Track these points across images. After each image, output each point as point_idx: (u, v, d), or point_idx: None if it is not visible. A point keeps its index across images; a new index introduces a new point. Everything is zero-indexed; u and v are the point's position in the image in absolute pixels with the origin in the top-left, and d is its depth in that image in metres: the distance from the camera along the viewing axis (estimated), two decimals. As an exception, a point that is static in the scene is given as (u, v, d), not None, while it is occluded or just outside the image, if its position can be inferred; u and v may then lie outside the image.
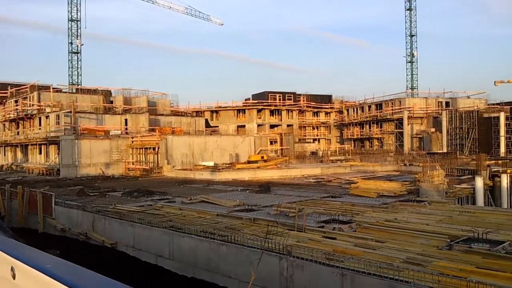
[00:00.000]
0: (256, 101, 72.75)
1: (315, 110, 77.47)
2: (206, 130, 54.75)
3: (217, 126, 64.19)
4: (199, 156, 42.67)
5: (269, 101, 72.97)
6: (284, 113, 72.82)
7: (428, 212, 16.02)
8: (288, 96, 75.59)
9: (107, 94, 53.73)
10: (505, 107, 58.34)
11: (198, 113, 68.40)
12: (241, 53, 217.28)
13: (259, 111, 70.58)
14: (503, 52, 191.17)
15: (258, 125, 69.16)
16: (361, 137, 71.01)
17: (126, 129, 46.15)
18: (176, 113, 56.12)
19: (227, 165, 40.89)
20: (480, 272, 8.74)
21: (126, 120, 47.11)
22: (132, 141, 41.85)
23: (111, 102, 52.91)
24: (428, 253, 10.35)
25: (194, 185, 28.49)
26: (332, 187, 25.73)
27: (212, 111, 71.60)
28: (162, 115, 52.10)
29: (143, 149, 41.09)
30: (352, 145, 70.98)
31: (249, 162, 42.48)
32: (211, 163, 41.28)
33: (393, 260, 9.68)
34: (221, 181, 31.02)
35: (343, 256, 9.95)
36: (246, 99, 77.08)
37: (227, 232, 12.93)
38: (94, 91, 53.16)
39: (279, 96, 75.03)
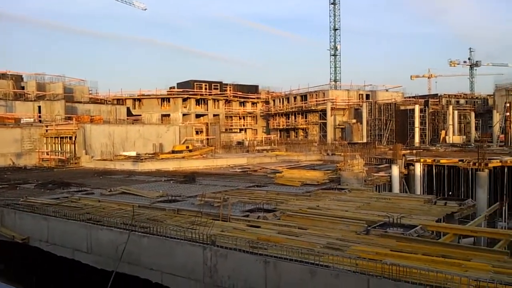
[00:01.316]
0: (181, 90, 71.40)
1: (242, 100, 77.74)
2: (128, 118, 52.92)
3: (140, 115, 62.18)
4: (120, 146, 41.10)
5: (195, 90, 71.96)
6: (210, 102, 72.26)
7: (348, 199, 16.71)
8: (214, 86, 75.02)
9: (17, 79, 49.83)
10: (419, 100, 62.81)
11: (120, 101, 65.82)
12: (166, 40, 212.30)
13: (184, 100, 69.39)
14: (419, 48, 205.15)
15: (184, 115, 68.02)
16: (286, 127, 72.51)
17: (40, 117, 43.39)
18: (95, 101, 53.62)
19: (151, 155, 39.85)
20: (394, 255, 9.23)
21: (39, 107, 44.30)
22: (47, 130, 39.53)
23: (23, 87, 49.27)
24: (347, 238, 10.77)
25: (114, 176, 27.39)
26: (257, 177, 25.97)
27: (134, 99, 69.21)
28: (79, 102, 49.57)
29: (59, 139, 38.87)
30: (278, 135, 72.29)
31: (173, 152, 41.70)
32: (133, 153, 40.01)
33: (314, 246, 9.94)
34: (144, 172, 30.12)
35: (267, 243, 10.02)
36: (171, 88, 75.32)
37: (149, 223, 12.52)
38: (2, 76, 49.04)
39: (205, 85, 74.23)
